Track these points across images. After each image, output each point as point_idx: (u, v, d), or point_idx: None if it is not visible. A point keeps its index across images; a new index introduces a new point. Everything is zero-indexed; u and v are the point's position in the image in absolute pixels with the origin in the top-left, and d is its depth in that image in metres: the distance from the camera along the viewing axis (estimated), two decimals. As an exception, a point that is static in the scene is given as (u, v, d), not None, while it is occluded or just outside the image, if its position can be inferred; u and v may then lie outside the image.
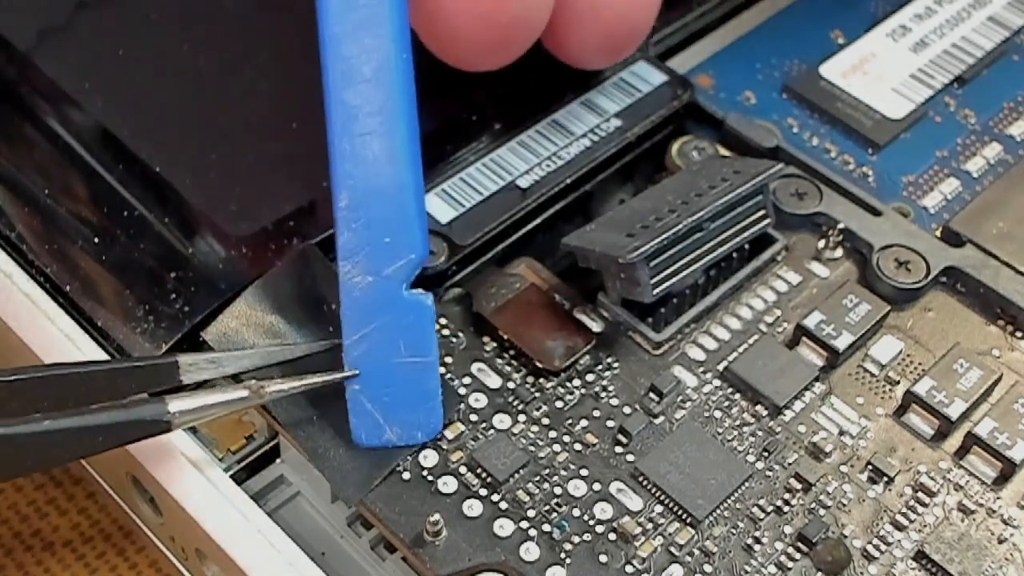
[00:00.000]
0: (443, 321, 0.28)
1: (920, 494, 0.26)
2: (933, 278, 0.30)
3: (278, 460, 0.28)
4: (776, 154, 0.32)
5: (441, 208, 0.30)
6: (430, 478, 0.26)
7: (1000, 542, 0.26)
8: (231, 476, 0.27)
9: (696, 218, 0.27)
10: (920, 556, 0.25)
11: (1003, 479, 0.27)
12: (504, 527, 0.25)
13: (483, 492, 0.26)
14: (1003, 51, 0.36)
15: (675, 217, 0.27)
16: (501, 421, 0.27)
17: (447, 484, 0.26)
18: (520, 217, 0.30)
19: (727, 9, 0.37)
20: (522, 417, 0.27)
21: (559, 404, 0.27)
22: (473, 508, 0.25)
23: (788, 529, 0.26)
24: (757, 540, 0.25)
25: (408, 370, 0.25)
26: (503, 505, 0.25)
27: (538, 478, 0.26)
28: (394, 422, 0.26)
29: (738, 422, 0.27)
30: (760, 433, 0.27)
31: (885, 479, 0.26)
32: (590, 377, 0.28)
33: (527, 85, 0.32)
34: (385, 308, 0.25)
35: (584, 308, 0.29)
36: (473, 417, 0.27)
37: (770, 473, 0.26)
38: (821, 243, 0.30)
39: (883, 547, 0.25)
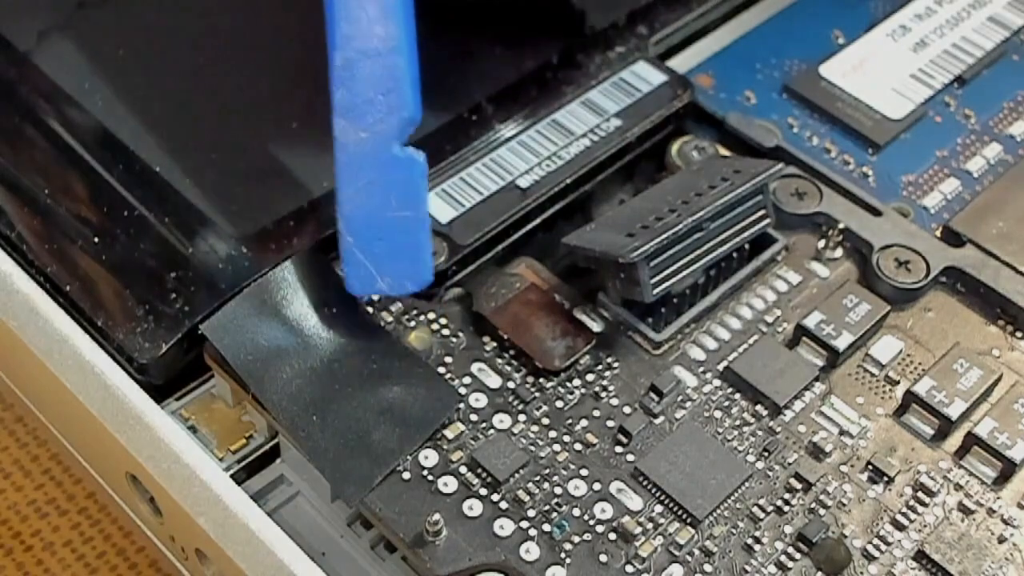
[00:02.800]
0: (443, 321, 0.28)
1: (920, 494, 0.26)
2: (933, 278, 0.30)
3: (278, 460, 0.28)
4: (776, 154, 0.32)
5: (441, 208, 0.30)
6: (430, 478, 0.26)
7: (1000, 542, 0.26)
8: (231, 476, 0.27)
9: (696, 218, 0.27)
10: (920, 556, 0.25)
11: (1003, 479, 0.27)
12: (504, 527, 0.25)
13: (483, 492, 0.26)
14: (1003, 51, 0.36)
15: (675, 217, 0.27)
16: (501, 421, 0.27)
17: (447, 484, 0.26)
18: (520, 217, 0.30)
19: (727, 9, 0.37)
20: (522, 417, 0.27)
21: (559, 404, 0.27)
22: (473, 508, 0.25)
23: (788, 529, 0.26)
24: (757, 540, 0.25)
25: (399, 223, 0.26)
26: (503, 505, 0.25)
27: (538, 478, 0.26)
28: (385, 272, 0.26)
29: (738, 422, 0.27)
30: (760, 433, 0.27)
31: (885, 479, 0.26)
32: (590, 377, 0.28)
33: (527, 85, 0.32)
34: (378, 163, 0.26)
35: (584, 308, 0.29)
36: (473, 417, 0.27)
37: (770, 473, 0.26)
38: (821, 243, 0.30)
39: (883, 547, 0.25)
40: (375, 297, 0.28)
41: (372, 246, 0.26)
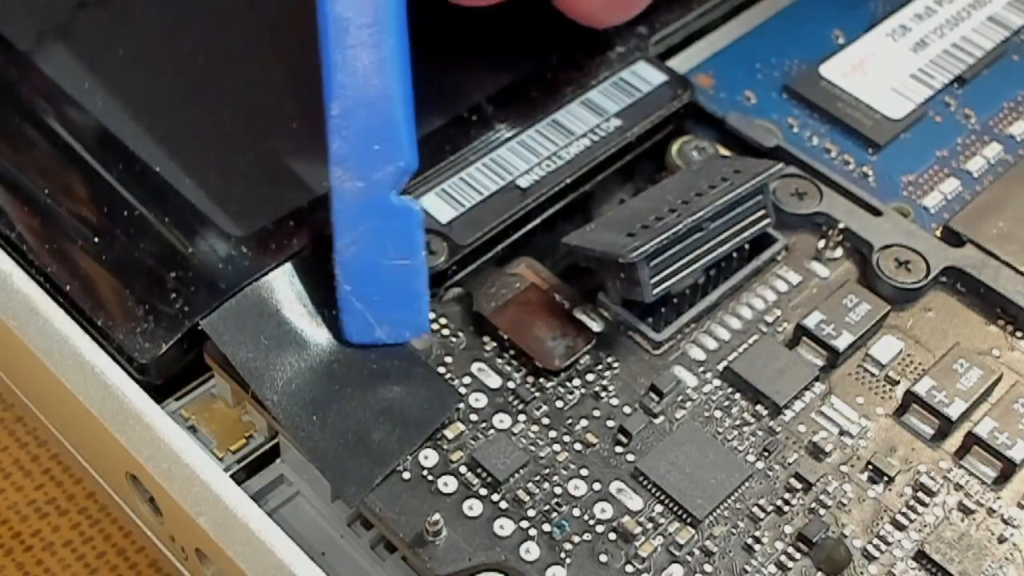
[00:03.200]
0: (443, 321, 0.28)
1: (920, 494, 0.26)
2: (933, 278, 0.30)
3: (278, 460, 0.28)
4: (776, 154, 0.32)
5: (441, 208, 0.30)
6: (430, 478, 0.26)
7: (1000, 542, 0.26)
8: (231, 476, 0.27)
9: (696, 218, 0.27)
10: (920, 556, 0.25)
11: (1003, 479, 0.27)
12: (504, 527, 0.25)
13: (483, 492, 0.26)
14: (1003, 51, 0.36)
15: (675, 217, 0.27)
16: (501, 421, 0.27)
17: (447, 484, 0.26)
18: (520, 217, 0.30)
19: (727, 9, 0.37)
20: (522, 417, 0.27)
21: (559, 404, 0.27)
22: (473, 508, 0.25)
23: (788, 529, 0.26)
24: (757, 540, 0.25)
25: (396, 272, 0.27)
26: (503, 505, 0.25)
27: (538, 478, 0.26)
28: (383, 321, 0.27)
29: (738, 422, 0.27)
30: (760, 433, 0.27)
31: (885, 479, 0.26)
32: (590, 377, 0.28)
33: (527, 85, 0.32)
34: (374, 212, 0.26)
35: (584, 308, 0.29)
36: (473, 417, 0.27)
37: (770, 473, 0.26)
38: (821, 243, 0.30)
39: (883, 547, 0.25)
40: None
41: (369, 294, 0.27)
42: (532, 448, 0.26)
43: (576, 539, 0.25)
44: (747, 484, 0.26)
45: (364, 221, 0.26)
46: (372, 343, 0.27)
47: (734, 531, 0.26)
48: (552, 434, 0.27)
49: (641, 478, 0.26)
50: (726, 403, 0.28)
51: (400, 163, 0.26)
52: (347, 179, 0.26)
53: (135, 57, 0.32)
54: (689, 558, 0.25)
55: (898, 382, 0.28)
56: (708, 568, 0.25)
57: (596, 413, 0.27)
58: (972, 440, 0.27)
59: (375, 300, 0.27)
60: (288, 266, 0.28)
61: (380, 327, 0.27)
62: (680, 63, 0.35)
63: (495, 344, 0.28)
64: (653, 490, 0.26)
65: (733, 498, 0.26)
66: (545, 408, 0.27)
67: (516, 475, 0.26)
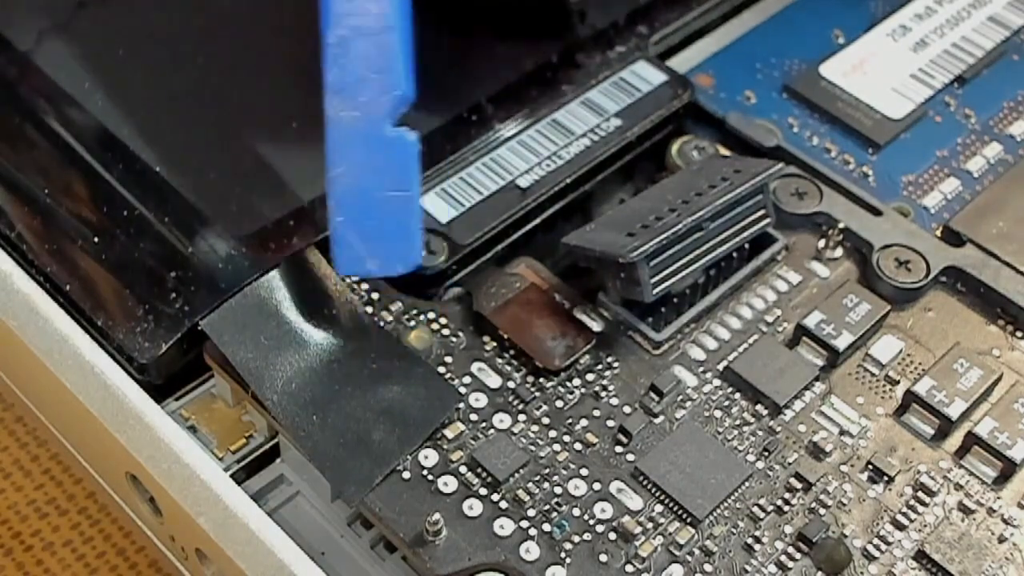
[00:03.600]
0: (443, 321, 0.28)
1: (920, 494, 0.26)
2: (933, 278, 0.30)
3: (278, 460, 0.28)
4: (776, 154, 0.32)
5: (441, 208, 0.30)
6: (430, 478, 0.26)
7: (1000, 541, 0.26)
8: (231, 476, 0.27)
9: (696, 218, 0.27)
10: (920, 556, 0.25)
11: (1003, 479, 0.27)
12: (504, 527, 0.25)
13: (483, 492, 0.26)
14: (1003, 51, 0.36)
15: (675, 217, 0.27)
16: (501, 421, 0.27)
17: (447, 484, 0.26)
18: (520, 217, 0.30)
19: (727, 9, 0.37)
20: (522, 417, 0.27)
21: (559, 404, 0.27)
22: (473, 508, 0.25)
23: (788, 529, 0.26)
24: (757, 539, 0.25)
25: (389, 203, 0.26)
26: (503, 505, 0.25)
27: (538, 478, 0.26)
28: (375, 253, 0.26)
29: (738, 422, 0.27)
30: (760, 433, 0.27)
31: (885, 479, 0.26)
32: (590, 377, 0.28)
33: (527, 85, 0.32)
34: (369, 142, 0.26)
35: (584, 308, 0.29)
36: (473, 417, 0.27)
37: (770, 473, 0.26)
38: (821, 243, 0.30)
39: (883, 547, 0.25)
40: (375, 297, 0.28)
41: (362, 226, 0.26)
42: (532, 448, 0.26)
43: (576, 539, 0.25)
44: (747, 484, 0.26)
45: (359, 151, 0.26)
46: (363, 275, 0.26)
47: (734, 531, 0.26)
48: (552, 434, 0.27)
49: (641, 478, 0.26)
50: (726, 403, 0.28)
51: (397, 92, 0.25)
52: (343, 108, 0.25)
53: (135, 57, 0.32)
54: (689, 558, 0.25)
55: (898, 382, 0.28)
56: (708, 568, 0.25)
57: (596, 413, 0.27)
58: (972, 440, 0.27)
59: (367, 231, 0.26)
60: (288, 266, 0.28)
61: (371, 259, 0.26)
62: (680, 63, 0.35)
63: (495, 344, 0.28)
64: (653, 490, 0.26)
65: (733, 498, 0.26)
66: (545, 408, 0.27)
67: (516, 475, 0.26)
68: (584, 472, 0.26)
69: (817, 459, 0.27)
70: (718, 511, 0.26)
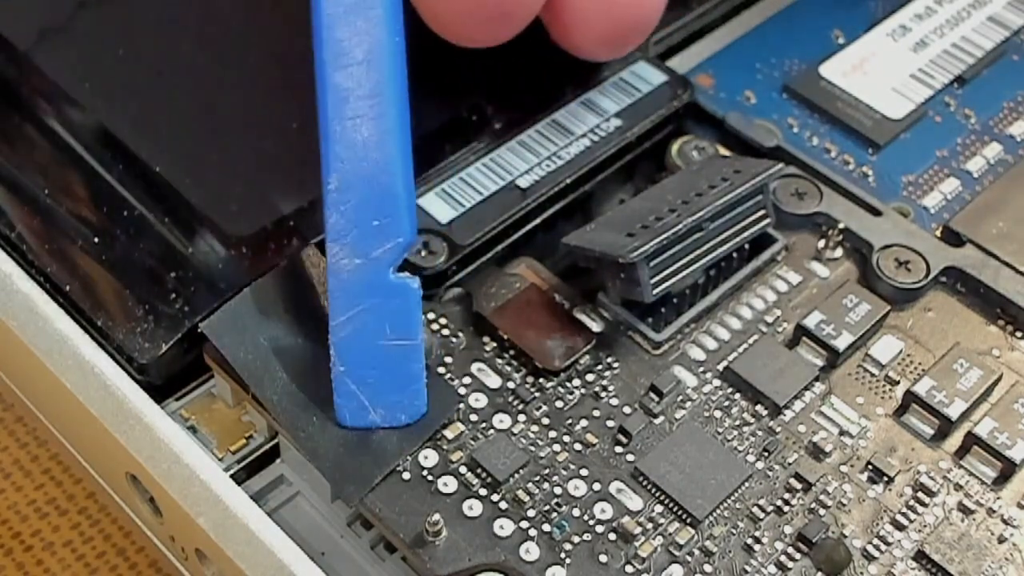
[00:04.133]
0: (443, 321, 0.28)
1: (920, 494, 0.26)
2: (933, 278, 0.30)
3: (278, 460, 0.28)
4: (776, 154, 0.32)
5: (441, 208, 0.30)
6: (430, 478, 0.26)
7: (1000, 542, 0.26)
8: (231, 476, 0.27)
9: (696, 218, 0.27)
10: (920, 556, 0.25)
11: (1003, 479, 0.27)
12: (504, 527, 0.25)
13: (483, 492, 0.26)
14: (1003, 51, 0.36)
15: (675, 217, 0.27)
16: (501, 421, 0.27)
17: (447, 484, 0.26)
18: (520, 217, 0.30)
19: (727, 9, 0.37)
20: (522, 417, 0.27)
21: (559, 404, 0.27)
22: (473, 508, 0.25)
23: (788, 529, 0.26)
24: (757, 540, 0.25)
25: (393, 353, 0.26)
26: (503, 505, 0.25)
27: (538, 478, 0.26)
28: (379, 404, 0.26)
29: (738, 422, 0.27)
30: (760, 433, 0.27)
31: (885, 479, 0.26)
32: (590, 377, 0.28)
33: (527, 85, 0.32)
34: (372, 290, 0.25)
35: (584, 308, 0.29)
36: (473, 417, 0.27)
37: (770, 473, 0.26)
38: (821, 243, 0.30)
39: (883, 547, 0.25)
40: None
41: (365, 376, 0.25)
42: (532, 448, 0.26)
43: (576, 539, 0.25)
44: (747, 484, 0.26)
45: (361, 300, 0.25)
46: (367, 427, 0.26)
47: (734, 531, 0.26)
48: (552, 434, 0.27)
49: (641, 478, 0.26)
50: (726, 403, 0.28)
51: (400, 239, 0.25)
52: (344, 256, 0.25)
53: (135, 57, 0.32)
54: (689, 558, 0.25)
55: (898, 382, 0.28)
56: (708, 568, 0.25)
57: (596, 413, 0.27)
58: (972, 440, 0.27)
59: (370, 382, 0.25)
60: (288, 265, 0.28)
61: (375, 410, 0.26)
62: (680, 63, 0.35)
63: (495, 344, 0.28)
64: (653, 490, 0.26)
65: (733, 498, 0.26)
66: (545, 408, 0.27)
67: (516, 475, 0.26)
68: (584, 472, 0.26)
69: (817, 459, 0.27)
70: (718, 511, 0.26)
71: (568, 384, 0.28)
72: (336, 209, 0.25)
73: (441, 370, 0.27)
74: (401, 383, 0.26)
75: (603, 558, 0.25)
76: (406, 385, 0.26)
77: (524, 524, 0.25)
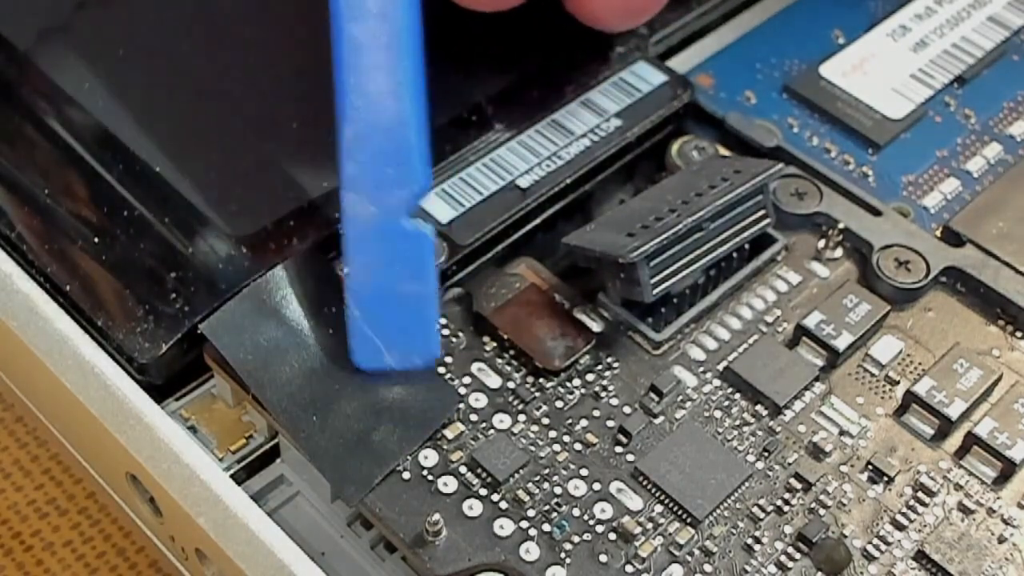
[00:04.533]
0: (443, 321, 0.28)
1: (920, 494, 0.26)
2: (933, 278, 0.30)
3: (278, 460, 0.28)
4: (776, 154, 0.32)
5: (441, 208, 0.30)
6: (430, 478, 0.26)
7: (1000, 542, 0.26)
8: (231, 476, 0.27)
9: (696, 218, 0.27)
10: (920, 556, 0.25)
11: (1003, 479, 0.27)
12: (504, 527, 0.25)
13: (483, 492, 0.26)
14: (1003, 51, 0.36)
15: (675, 217, 0.27)
16: (501, 421, 0.27)
17: (447, 484, 0.26)
18: (520, 217, 0.30)
19: (727, 9, 0.37)
20: (522, 417, 0.27)
21: (559, 404, 0.27)
22: (473, 508, 0.25)
23: (788, 529, 0.26)
24: (757, 540, 0.25)
25: (407, 298, 0.26)
26: (503, 505, 0.25)
27: (538, 478, 0.26)
28: (392, 347, 0.26)
29: (738, 422, 0.27)
30: (760, 433, 0.27)
31: (885, 479, 0.26)
32: (590, 377, 0.28)
33: (527, 85, 0.32)
34: (387, 237, 0.26)
35: (584, 308, 0.29)
36: (473, 417, 0.27)
37: (770, 473, 0.26)
38: (821, 243, 0.30)
39: (883, 547, 0.25)
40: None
41: (379, 320, 0.26)
42: (532, 448, 0.26)
43: (576, 539, 0.25)
44: (747, 484, 0.26)
45: (376, 246, 0.26)
46: (381, 369, 0.26)
47: (734, 531, 0.26)
48: (552, 434, 0.27)
49: (641, 478, 0.26)
50: (726, 403, 0.28)
51: (414, 187, 0.26)
52: (359, 204, 0.25)
53: (135, 57, 0.32)
54: (689, 558, 0.25)
55: (898, 382, 0.28)
56: (708, 568, 0.25)
57: (596, 413, 0.27)
58: (972, 440, 0.27)
59: (385, 326, 0.26)
60: (288, 266, 0.28)
61: (389, 353, 0.26)
62: (680, 63, 0.35)
63: (495, 344, 0.28)
64: (653, 490, 0.26)
65: (733, 498, 0.26)
66: (545, 408, 0.27)
67: (516, 475, 0.26)
68: (584, 472, 0.26)
69: (817, 459, 0.27)
70: (718, 511, 0.26)
71: (568, 384, 0.28)
72: (352, 158, 0.25)
73: (441, 370, 0.27)
74: (415, 327, 0.26)
75: (603, 558, 0.25)
76: (420, 329, 0.26)
77: (524, 524, 0.25)
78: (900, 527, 0.26)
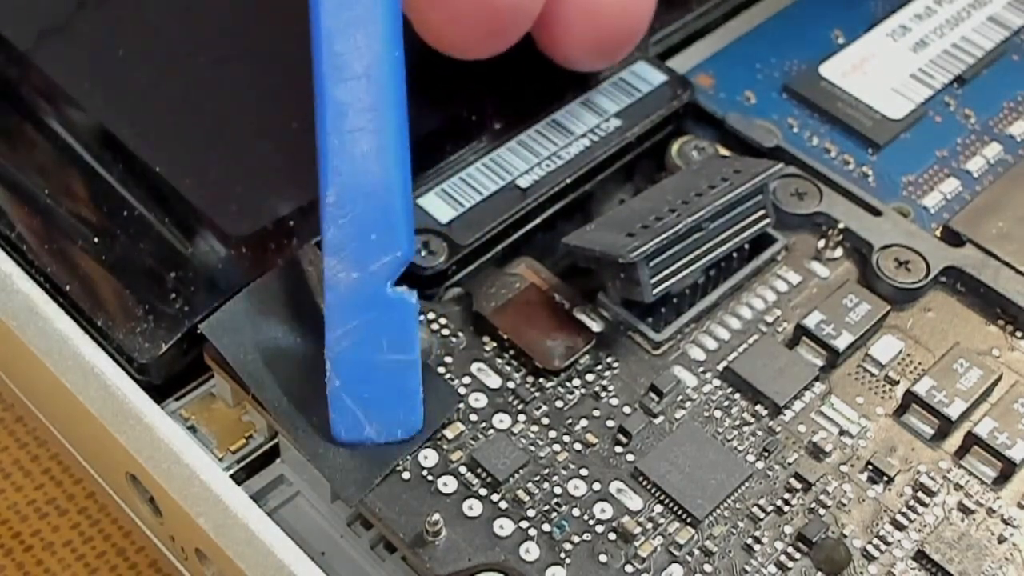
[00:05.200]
0: (443, 321, 0.28)
1: (920, 494, 0.26)
2: (933, 278, 0.30)
3: (278, 460, 0.28)
4: (776, 154, 0.32)
5: (441, 208, 0.30)
6: (430, 478, 0.26)
7: (1000, 542, 0.26)
8: (231, 476, 0.27)
9: (696, 218, 0.27)
10: (920, 556, 0.25)
11: (1003, 479, 0.27)
12: (504, 527, 0.25)
13: (483, 492, 0.26)
14: (1003, 51, 0.36)
15: (675, 217, 0.27)
16: (501, 421, 0.27)
17: (447, 484, 0.26)
18: (520, 217, 0.30)
19: (727, 9, 0.37)
20: (522, 417, 0.27)
21: (559, 404, 0.27)
22: (473, 508, 0.25)
23: (788, 529, 0.26)
24: (757, 540, 0.25)
25: (390, 368, 0.25)
26: (503, 505, 0.25)
27: (538, 478, 0.26)
28: (374, 419, 0.26)
29: (738, 422, 0.27)
30: (760, 433, 0.27)
31: (885, 479, 0.26)
32: (590, 377, 0.28)
33: (527, 85, 0.32)
34: (369, 305, 0.25)
35: (584, 308, 0.29)
36: (473, 417, 0.27)
37: (770, 473, 0.26)
38: (821, 243, 0.30)
39: (883, 547, 0.25)
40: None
41: (361, 390, 0.25)
42: (532, 448, 0.26)
43: (576, 539, 0.25)
44: (747, 484, 0.26)
45: (358, 314, 0.25)
46: (361, 442, 0.26)
47: (734, 531, 0.26)
48: (552, 434, 0.27)
49: (641, 478, 0.26)
50: (726, 403, 0.28)
51: (397, 254, 0.25)
52: (341, 270, 0.25)
53: (135, 57, 0.32)
54: (689, 558, 0.25)
55: (898, 382, 0.28)
56: (708, 568, 0.25)
57: (596, 413, 0.27)
58: (972, 440, 0.27)
59: (366, 397, 0.25)
60: (288, 266, 0.28)
61: (371, 425, 0.25)
62: (680, 63, 0.35)
63: (495, 344, 0.28)
64: (653, 490, 0.26)
65: (733, 498, 0.26)
66: (545, 408, 0.27)
67: (516, 475, 0.26)
68: (584, 472, 0.26)
69: (817, 459, 0.27)
70: (718, 511, 0.26)
71: (568, 384, 0.28)
72: (334, 223, 0.25)
73: (441, 370, 0.27)
74: (397, 399, 0.26)
75: (603, 558, 0.25)
76: (402, 401, 0.26)
77: (524, 524, 0.25)
78: (900, 527, 0.26)
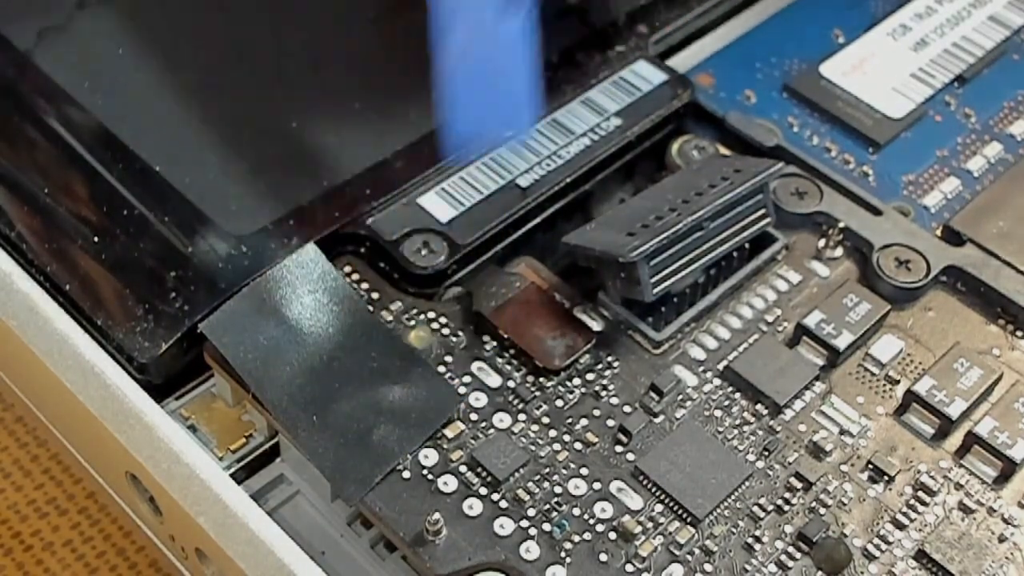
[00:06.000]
0: (443, 320, 0.28)
1: (920, 493, 0.26)
2: (933, 277, 0.30)
3: (278, 459, 0.28)
4: (776, 153, 0.32)
5: (441, 207, 0.30)
6: (430, 477, 0.26)
7: (1000, 541, 0.26)
8: (231, 475, 0.27)
9: (696, 217, 0.27)
10: (920, 555, 0.25)
11: (1003, 478, 0.27)
12: (504, 526, 0.25)
13: (483, 491, 0.26)
14: (1003, 50, 0.36)
15: (675, 216, 0.27)
16: (501, 420, 0.27)
17: (447, 483, 0.26)
18: (520, 216, 0.30)
19: (727, 9, 0.37)
20: (522, 416, 0.27)
21: (559, 403, 0.27)
22: (473, 507, 0.25)
23: (788, 528, 0.26)
24: (757, 539, 0.25)
25: (500, 69, 0.26)
26: (503, 504, 0.25)
27: (538, 477, 0.26)
28: (486, 119, 0.27)
29: (738, 421, 0.27)
30: (760, 432, 0.27)
31: (885, 478, 0.26)
32: (590, 376, 0.28)
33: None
34: (481, 6, 0.26)
35: (584, 307, 0.29)
36: (473, 416, 0.27)
37: (770, 472, 0.26)
38: (821, 242, 0.30)
39: (883, 546, 0.25)
40: (375, 296, 0.28)
41: (473, 93, 0.26)
42: (532, 447, 0.26)
43: (576, 538, 0.25)
44: (747, 483, 0.26)
45: (470, 15, 0.26)
46: (474, 137, 0.27)
47: (734, 530, 0.26)
48: (552, 433, 0.27)
49: (641, 477, 0.26)
50: (726, 402, 0.28)
51: None
52: None
53: (135, 57, 0.32)
54: (689, 557, 0.25)
55: (898, 381, 0.28)
56: (708, 567, 0.25)
57: (596, 412, 0.27)
58: (972, 439, 0.27)
59: (478, 95, 0.26)
60: (287, 264, 0.28)
61: (483, 125, 0.26)
62: (680, 62, 0.35)
63: (495, 343, 0.28)
64: (653, 489, 0.26)
65: (733, 497, 0.26)
66: (545, 407, 0.27)
67: (516, 474, 0.26)
68: (584, 472, 0.26)
69: (817, 459, 0.27)
70: (718, 511, 0.26)
71: (568, 383, 0.28)
72: None
73: (441, 369, 0.27)
74: (507, 99, 0.26)
75: (603, 557, 0.25)
76: (512, 100, 0.27)
77: (524, 523, 0.25)
78: (900, 526, 0.26)
